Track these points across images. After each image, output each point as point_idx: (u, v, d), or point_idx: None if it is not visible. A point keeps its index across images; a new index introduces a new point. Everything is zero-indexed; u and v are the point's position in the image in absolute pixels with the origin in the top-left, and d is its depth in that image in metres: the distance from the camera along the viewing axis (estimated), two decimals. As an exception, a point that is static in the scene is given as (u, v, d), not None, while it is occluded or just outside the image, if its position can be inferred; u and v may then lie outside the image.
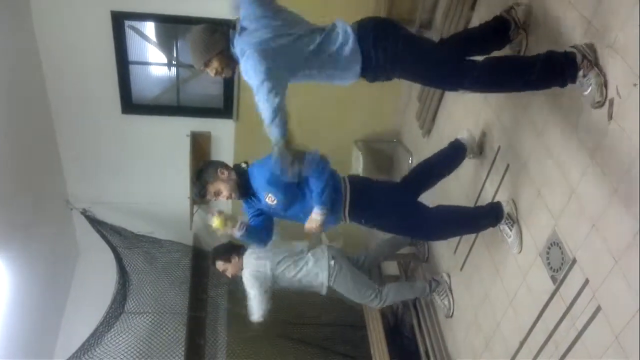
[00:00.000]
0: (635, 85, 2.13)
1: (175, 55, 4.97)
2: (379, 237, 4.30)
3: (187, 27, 4.76)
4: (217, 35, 2.47)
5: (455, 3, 3.74)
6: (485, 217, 3.11)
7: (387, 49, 2.44)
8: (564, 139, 2.61)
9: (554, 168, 2.67)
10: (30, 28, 4.35)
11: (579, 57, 2.35)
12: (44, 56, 4.53)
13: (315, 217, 2.89)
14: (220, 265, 3.82)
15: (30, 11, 4.29)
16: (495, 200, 3.22)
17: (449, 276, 3.87)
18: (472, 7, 3.59)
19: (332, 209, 2.95)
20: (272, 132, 2.38)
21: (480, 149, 3.41)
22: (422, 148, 4.53)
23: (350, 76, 2.55)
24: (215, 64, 2.53)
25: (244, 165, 2.98)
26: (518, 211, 2.98)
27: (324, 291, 3.84)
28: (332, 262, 3.75)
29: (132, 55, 4.72)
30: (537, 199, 2.81)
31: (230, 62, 2.55)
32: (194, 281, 5.25)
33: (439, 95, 4.09)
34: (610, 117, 2.27)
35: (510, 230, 2.98)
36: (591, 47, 2.36)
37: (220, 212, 2.82)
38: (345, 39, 2.44)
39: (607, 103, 2.29)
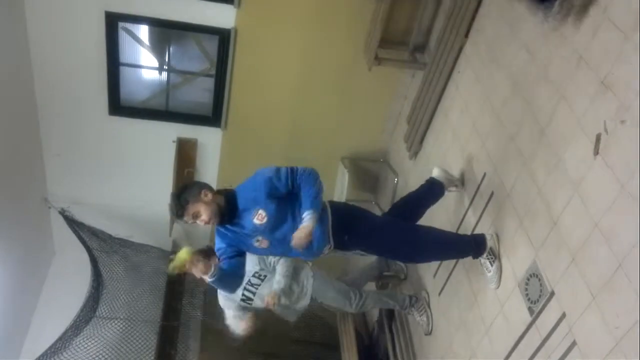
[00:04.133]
0: (622, 122, 2.15)
1: (167, 60, 4.93)
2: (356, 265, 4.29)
3: (181, 32, 4.76)
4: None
5: (450, 29, 3.76)
6: (466, 246, 3.10)
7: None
8: (548, 169, 2.61)
9: (538, 198, 2.67)
10: (22, 22, 4.28)
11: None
12: (34, 51, 4.46)
13: (307, 223, 2.60)
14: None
15: (23, 6, 4.24)
16: (478, 229, 3.22)
17: (427, 294, 3.86)
18: (466, 35, 3.62)
19: (320, 233, 2.82)
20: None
21: (462, 181, 3.41)
22: (408, 170, 4.52)
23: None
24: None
25: (230, 185, 2.81)
26: (500, 244, 2.98)
27: (306, 300, 3.67)
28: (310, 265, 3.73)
29: (124, 56, 4.67)
30: (519, 228, 2.81)
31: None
32: (170, 289, 5.17)
33: (428, 118, 4.10)
34: (596, 152, 2.28)
35: (491, 265, 2.97)
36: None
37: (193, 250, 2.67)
38: None
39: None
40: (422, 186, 3.45)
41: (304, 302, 3.71)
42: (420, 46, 4.43)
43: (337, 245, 2.91)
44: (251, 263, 3.52)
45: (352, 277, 4.16)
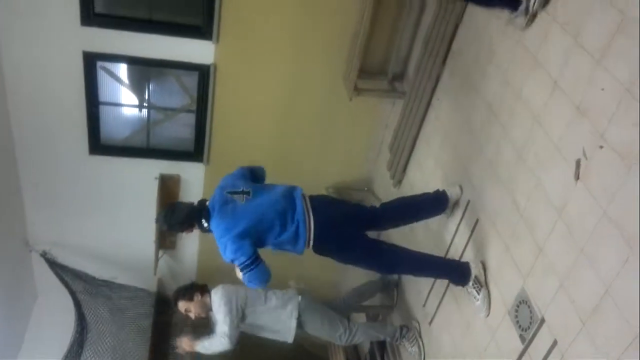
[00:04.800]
0: (601, 147, 2.16)
1: (147, 97, 4.92)
2: (349, 283, 4.24)
3: (160, 69, 4.75)
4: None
5: (427, 56, 3.80)
6: (450, 270, 3.12)
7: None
8: (530, 195, 2.61)
9: (522, 224, 2.67)
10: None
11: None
12: (11, 91, 4.40)
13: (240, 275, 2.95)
14: (182, 305, 3.67)
15: (0, 46, 4.21)
16: (464, 258, 3.20)
17: (418, 323, 3.81)
18: (444, 62, 3.66)
19: (296, 243, 2.96)
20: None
21: (453, 209, 3.40)
22: (392, 198, 4.50)
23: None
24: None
25: (205, 225, 3.08)
26: (487, 272, 2.95)
27: (291, 331, 3.68)
28: (300, 297, 3.74)
29: (103, 95, 4.65)
30: (505, 255, 2.79)
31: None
32: (156, 329, 5.05)
33: (410, 146, 4.12)
34: (577, 177, 2.29)
35: (478, 294, 2.94)
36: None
37: None
38: None
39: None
40: (426, 196, 3.36)
41: (288, 337, 3.68)
42: (398, 75, 4.48)
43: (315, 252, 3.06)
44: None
45: (345, 297, 4.11)
